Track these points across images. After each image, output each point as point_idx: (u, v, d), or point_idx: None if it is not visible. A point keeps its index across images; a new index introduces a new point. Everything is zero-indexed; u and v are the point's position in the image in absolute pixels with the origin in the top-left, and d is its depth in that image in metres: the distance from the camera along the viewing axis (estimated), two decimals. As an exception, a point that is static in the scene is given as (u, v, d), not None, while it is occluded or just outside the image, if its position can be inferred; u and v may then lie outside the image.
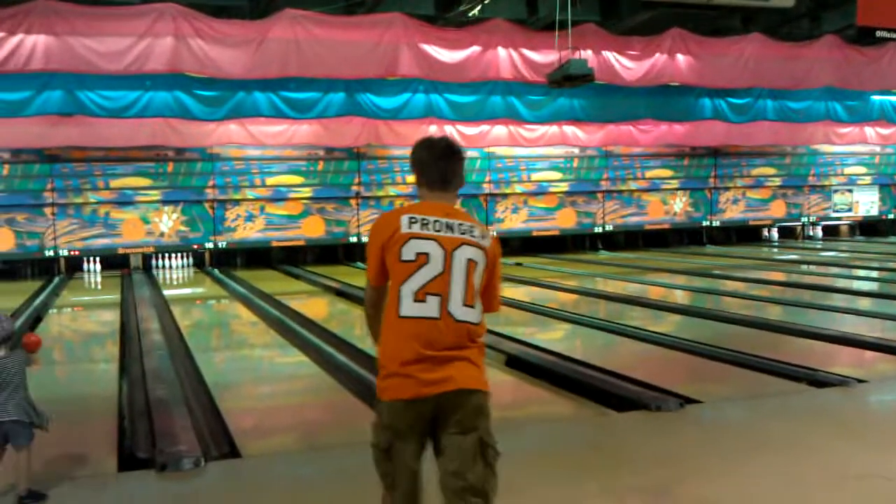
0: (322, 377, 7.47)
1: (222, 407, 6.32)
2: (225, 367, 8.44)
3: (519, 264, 18.01)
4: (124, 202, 17.57)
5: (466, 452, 2.93)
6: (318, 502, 4.25)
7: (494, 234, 3.24)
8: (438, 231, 2.94)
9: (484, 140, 18.43)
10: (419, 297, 2.87)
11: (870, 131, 21.75)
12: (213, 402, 6.51)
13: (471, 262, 2.94)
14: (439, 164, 3.11)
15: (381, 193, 19.29)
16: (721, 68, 14.77)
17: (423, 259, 2.89)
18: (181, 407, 6.22)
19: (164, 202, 17.82)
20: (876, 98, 19.31)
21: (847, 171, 23.96)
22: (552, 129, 18.66)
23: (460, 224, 2.99)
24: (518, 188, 20.57)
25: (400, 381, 2.87)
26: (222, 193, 18.14)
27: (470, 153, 19.76)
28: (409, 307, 2.87)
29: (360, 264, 18.31)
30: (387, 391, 2.92)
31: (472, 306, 2.94)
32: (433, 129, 17.44)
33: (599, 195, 21.33)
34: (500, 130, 18.23)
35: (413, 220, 2.95)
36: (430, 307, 2.86)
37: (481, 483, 2.94)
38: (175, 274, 17.79)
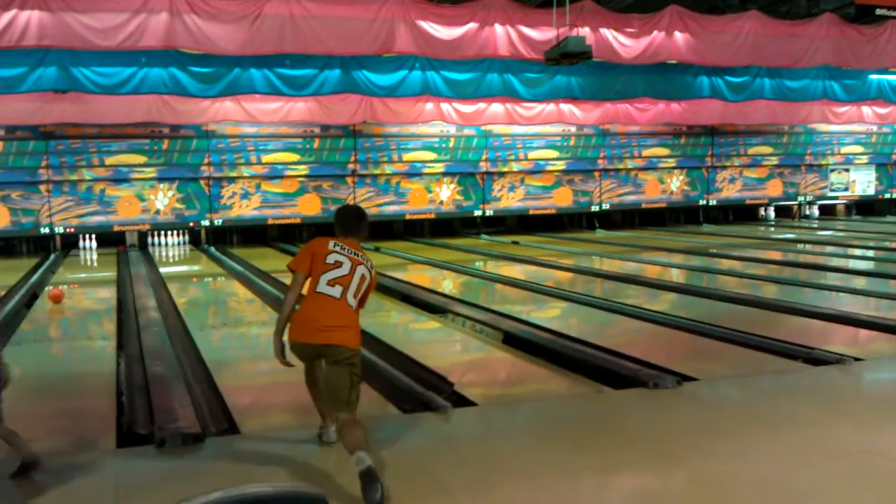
0: (319, 354, 7.47)
1: (220, 384, 6.34)
2: (222, 344, 8.45)
3: (515, 243, 18.02)
4: (120, 179, 17.53)
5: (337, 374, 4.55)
6: (316, 476, 4.27)
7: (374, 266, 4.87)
8: (347, 255, 4.66)
9: (481, 118, 18.37)
10: (331, 284, 4.56)
11: (867, 110, 21.71)
12: (210, 379, 6.52)
13: (362, 277, 4.66)
14: (352, 222, 4.90)
15: (377, 171, 19.26)
16: (719, 46, 14.69)
17: (337, 264, 4.61)
18: (179, 383, 6.23)
19: (160, 179, 17.78)
20: (874, 77, 19.23)
21: (844, 150, 23.97)
22: (549, 107, 18.60)
23: (361, 255, 4.74)
24: (515, 166, 20.55)
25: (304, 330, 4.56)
26: (218, 171, 18.10)
27: (467, 131, 19.75)
28: (324, 288, 4.55)
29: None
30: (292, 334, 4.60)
31: (356, 298, 4.65)
32: (429, 107, 17.40)
33: (596, 174, 21.32)
34: (496, 108, 18.16)
35: (335, 244, 4.69)
36: (337, 292, 4.56)
37: (343, 390, 4.52)
38: (171, 251, 17.77)
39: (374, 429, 5.37)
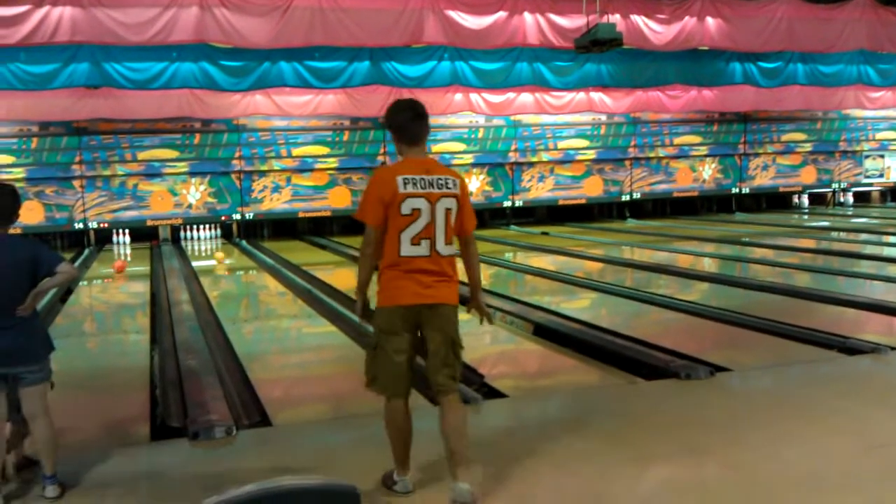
0: (350, 347, 7.50)
1: (252, 377, 6.38)
2: (254, 337, 8.50)
3: (545, 233, 17.95)
4: (152, 174, 17.68)
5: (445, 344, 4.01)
6: (347, 468, 4.28)
7: (459, 172, 4.37)
8: (424, 189, 3.87)
9: (510, 107, 18.28)
10: (415, 242, 3.88)
11: (902, 95, 21.33)
12: (243, 372, 6.57)
13: (447, 212, 3.92)
14: (413, 125, 4.02)
15: (406, 163, 19.24)
16: (752, 32, 14.50)
17: (416, 214, 3.86)
18: (212, 377, 6.28)
19: (192, 174, 17.90)
20: (909, 61, 18.90)
21: (879, 136, 23.57)
22: (579, 96, 18.47)
23: (438, 179, 3.93)
24: (544, 156, 20.44)
25: (398, 293, 3.91)
26: (249, 165, 18.19)
27: (496, 121, 19.68)
28: (408, 249, 3.87)
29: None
30: (389, 300, 3.94)
31: (450, 244, 3.97)
32: (458, 98, 17.34)
33: (627, 162, 21.15)
34: (526, 98, 18.06)
35: (406, 182, 3.86)
36: (425, 248, 3.89)
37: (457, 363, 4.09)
38: (203, 245, 17.92)
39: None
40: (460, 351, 4.08)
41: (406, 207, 3.82)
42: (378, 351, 4.01)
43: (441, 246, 3.89)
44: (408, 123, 3.97)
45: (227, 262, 10.79)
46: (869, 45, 15.62)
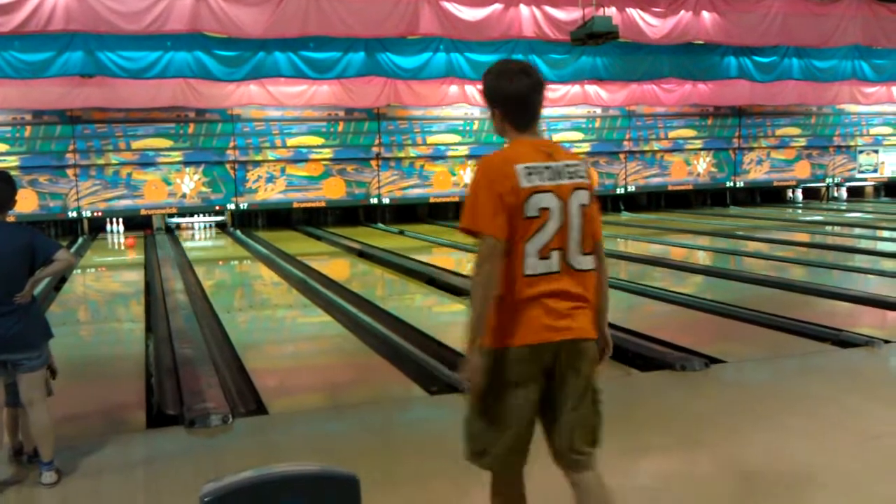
0: (345, 337, 7.52)
1: (248, 366, 6.38)
2: (249, 326, 8.50)
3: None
4: (146, 163, 17.63)
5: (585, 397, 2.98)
6: (343, 457, 4.29)
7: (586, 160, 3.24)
8: (552, 180, 2.81)
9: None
10: (543, 254, 2.79)
11: (896, 91, 21.40)
12: (238, 361, 6.57)
13: (583, 209, 2.88)
14: (530, 100, 2.92)
15: (401, 154, 19.23)
16: (747, 26, 14.52)
17: (545, 215, 2.78)
18: (208, 365, 6.28)
19: (186, 163, 17.86)
20: (903, 57, 18.95)
21: (873, 131, 23.64)
22: (574, 89, 18.48)
23: (566, 166, 2.88)
24: (539, 149, 20.41)
25: (527, 329, 2.79)
26: (243, 154, 18.16)
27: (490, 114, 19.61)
28: (535, 265, 2.78)
29: (380, 225, 18.33)
30: (508, 338, 2.81)
31: (589, 253, 2.91)
32: (453, 89, 17.32)
33: (622, 156, 21.17)
34: (521, 90, 18.03)
35: (529, 171, 2.79)
36: (555, 263, 2.81)
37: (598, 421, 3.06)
38: (197, 235, 17.89)
39: (400, 410, 5.42)
40: (600, 404, 3.05)
41: (532, 207, 2.76)
42: (491, 414, 2.86)
43: (577, 258, 2.85)
44: (520, 93, 2.89)
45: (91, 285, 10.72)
46: (863, 41, 15.66)
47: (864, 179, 23.90)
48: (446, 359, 6.30)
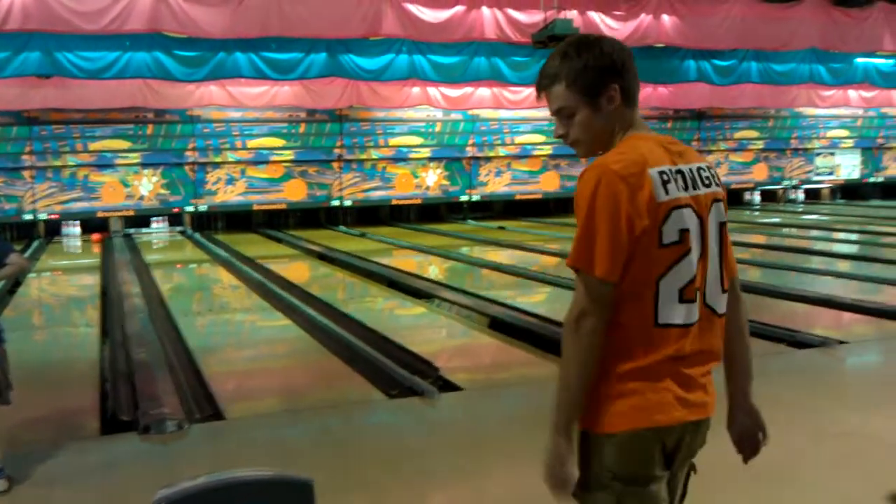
0: (305, 340, 7.46)
1: (205, 370, 6.30)
2: (207, 330, 8.41)
3: (502, 228, 18.00)
4: (104, 165, 17.37)
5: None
6: (301, 462, 4.25)
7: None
8: (687, 189, 2.06)
9: (468, 102, 18.30)
10: (689, 295, 2.03)
11: (853, 94, 21.77)
12: (195, 366, 6.49)
13: (722, 229, 2.17)
14: (635, 73, 2.16)
15: (363, 156, 19.17)
16: (707, 29, 14.70)
17: (687, 238, 2.02)
18: (164, 370, 6.20)
19: (144, 165, 17.62)
20: (860, 61, 19.28)
21: (829, 134, 24.02)
22: (536, 91, 18.53)
23: (699, 168, 2.13)
24: (502, 151, 20.49)
25: (654, 402, 2.03)
26: (203, 156, 17.97)
27: (454, 115, 19.66)
28: (673, 311, 2.01)
29: (342, 228, 18.23)
30: (625, 418, 2.03)
31: (726, 290, 2.19)
32: (416, 91, 17.30)
33: (582, 158, 21.24)
34: (483, 92, 18.10)
35: (664, 177, 2.02)
36: (697, 307, 2.06)
37: None
38: (155, 237, 17.66)
39: (360, 415, 5.38)
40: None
41: (671, 229, 2.01)
42: None
43: (717, 298, 2.14)
44: (630, 68, 2.13)
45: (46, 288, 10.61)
46: (821, 45, 15.92)
47: (821, 182, 24.28)
48: (407, 362, 6.28)
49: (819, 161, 23.98)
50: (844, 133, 24.18)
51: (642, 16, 14.12)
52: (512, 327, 7.60)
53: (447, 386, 5.79)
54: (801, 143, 23.66)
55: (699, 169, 2.12)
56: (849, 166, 24.34)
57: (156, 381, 5.81)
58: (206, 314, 9.32)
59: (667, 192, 2.00)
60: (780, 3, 15.14)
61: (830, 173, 24.20)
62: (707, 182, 2.12)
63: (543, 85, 2.21)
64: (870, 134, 24.42)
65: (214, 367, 6.54)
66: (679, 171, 2.06)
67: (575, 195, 2.09)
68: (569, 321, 2.02)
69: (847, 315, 7.99)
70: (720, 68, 18.15)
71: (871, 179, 24.61)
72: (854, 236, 15.11)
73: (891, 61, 19.57)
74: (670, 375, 2.03)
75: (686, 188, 2.05)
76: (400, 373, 5.90)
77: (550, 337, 7.07)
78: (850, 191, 24.69)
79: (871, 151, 24.52)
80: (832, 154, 24.11)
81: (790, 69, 18.73)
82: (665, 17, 14.30)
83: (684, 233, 2.02)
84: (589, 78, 2.10)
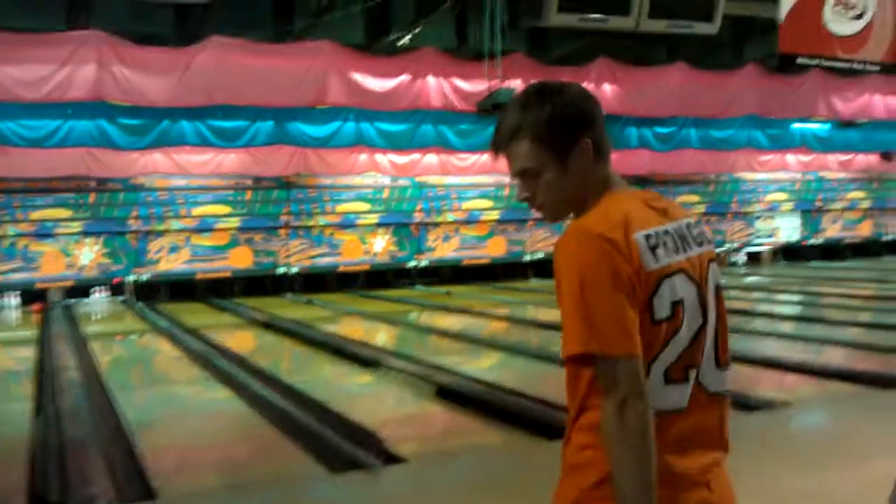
0: (246, 412, 7.26)
1: (141, 446, 6.06)
2: (145, 404, 8.15)
3: (448, 293, 17.95)
4: (44, 234, 17.01)
5: None
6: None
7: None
8: (678, 251, 1.81)
9: (415, 169, 18.41)
10: (675, 375, 1.78)
11: (791, 158, 22.38)
12: (130, 442, 6.24)
13: (719, 292, 1.93)
14: (603, 123, 1.93)
15: (310, 223, 19.06)
16: (647, 97, 15.02)
17: (679, 312, 1.77)
18: (97, 447, 5.97)
19: (86, 234, 17.30)
20: (796, 126, 19.86)
21: (769, 197, 24.56)
22: (483, 158, 18.69)
23: (688, 226, 1.88)
24: (449, 216, 20.56)
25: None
26: (146, 224, 17.69)
27: (401, 182, 19.73)
28: (663, 394, 1.76)
29: (289, 295, 18.00)
30: None
31: (726, 366, 1.94)
32: (363, 158, 17.36)
33: (529, 223, 21.43)
34: (431, 159, 18.22)
35: (652, 241, 1.76)
36: (687, 388, 1.81)
37: None
38: (96, 308, 17.24)
39: (303, 490, 5.21)
40: None
41: (662, 302, 1.76)
42: None
43: (713, 374, 1.89)
44: (599, 118, 1.92)
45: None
46: (759, 111, 16.36)
47: (762, 244, 24.75)
48: (351, 434, 6.13)
49: (760, 224, 24.47)
50: (784, 196, 24.75)
51: (584, 84, 14.35)
52: (460, 395, 7.49)
53: (392, 458, 5.65)
54: (741, 207, 24.15)
55: (688, 226, 1.88)
56: (789, 229, 24.86)
57: (88, 459, 5.60)
58: (144, 387, 9.08)
59: (656, 258, 1.75)
60: (718, 71, 15.57)
61: (771, 236, 24.69)
62: (699, 240, 1.89)
63: (502, 142, 1.91)
64: (809, 197, 25.03)
65: (151, 443, 6.30)
66: (667, 232, 1.81)
67: (555, 270, 1.79)
68: (608, 420, 1.67)
69: (790, 376, 8.04)
70: (661, 135, 18.55)
71: (811, 241, 25.15)
72: (796, 297, 15.34)
73: (826, 126, 20.18)
74: (659, 476, 1.67)
75: (677, 251, 1.80)
76: (342, 446, 5.75)
77: (500, 404, 7.00)
78: (790, 252, 25.19)
79: (810, 214, 25.10)
80: (772, 217, 24.64)
81: (729, 135, 19.21)
82: (606, 86, 14.59)
83: (676, 306, 1.77)
84: (556, 131, 1.83)
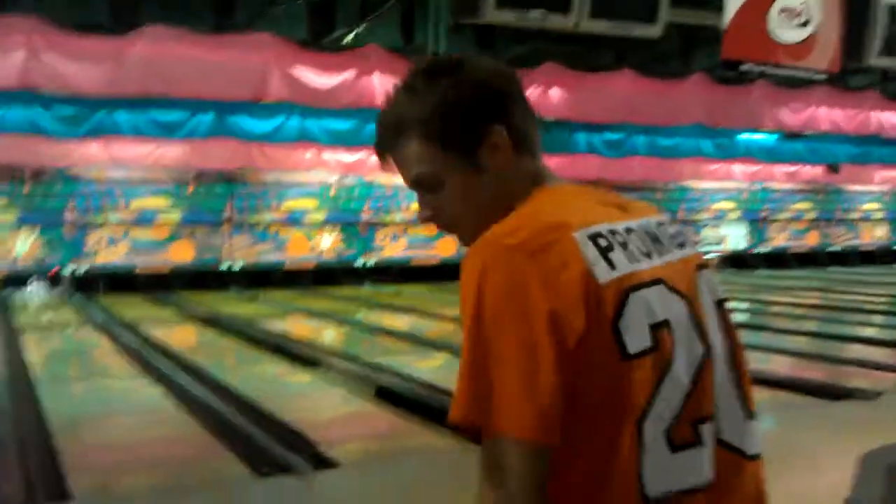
0: (178, 411, 6.99)
1: (61, 446, 5.77)
2: (71, 401, 7.80)
3: (397, 293, 17.77)
4: (-24, 226, 16.44)
5: None
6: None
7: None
8: (650, 255, 1.32)
9: (363, 167, 18.15)
10: (682, 435, 1.25)
11: (737, 168, 22.61)
12: (50, 441, 5.95)
13: (722, 308, 1.48)
14: (527, 105, 1.47)
15: (254, 219, 18.71)
16: (594, 103, 14.98)
17: (666, 340, 1.25)
18: (14, 446, 5.66)
19: (20, 224, 16.75)
20: (742, 137, 20.06)
21: (716, 206, 24.79)
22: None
23: (658, 223, 1.43)
24: (398, 216, 20.35)
25: None
26: (83, 216, 17.20)
27: (349, 180, 19.47)
28: (666, 471, 1.24)
29: (232, 291, 17.62)
30: None
31: (753, 414, 1.42)
32: (309, 155, 17.06)
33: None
34: (378, 158, 17.99)
35: (602, 241, 1.26)
36: (707, 453, 1.29)
37: None
38: (30, 300, 16.69)
39: (230, 494, 4.97)
40: None
41: (636, 327, 1.22)
42: None
43: (738, 428, 1.38)
44: (518, 99, 1.45)
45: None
46: (706, 120, 16.44)
47: (709, 252, 24.96)
48: (283, 436, 5.91)
49: (707, 232, 24.68)
50: (731, 205, 25.01)
51: (531, 88, 14.26)
52: (401, 396, 7.31)
53: (326, 461, 5.44)
54: (688, 215, 24.33)
55: (659, 224, 1.40)
56: (736, 237, 25.12)
57: (2, 458, 5.28)
58: (73, 382, 8.74)
59: (611, 265, 1.23)
60: (666, 80, 15.60)
61: (718, 244, 24.92)
62: (679, 241, 1.40)
63: (385, 144, 1.48)
64: (755, 207, 25.31)
65: (72, 443, 6.01)
66: (629, 230, 1.31)
67: (460, 294, 1.33)
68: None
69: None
70: (609, 142, 18.58)
71: (758, 250, 25.43)
72: (744, 305, 15.44)
73: (773, 137, 20.41)
74: None
75: (649, 254, 1.30)
76: (272, 448, 5.52)
77: (441, 406, 6.82)
78: (737, 261, 25.45)
79: (756, 223, 25.39)
80: (718, 226, 24.87)
81: (676, 143, 19.34)
82: (553, 91, 14.48)
83: (659, 330, 1.23)
84: (454, 121, 1.36)
